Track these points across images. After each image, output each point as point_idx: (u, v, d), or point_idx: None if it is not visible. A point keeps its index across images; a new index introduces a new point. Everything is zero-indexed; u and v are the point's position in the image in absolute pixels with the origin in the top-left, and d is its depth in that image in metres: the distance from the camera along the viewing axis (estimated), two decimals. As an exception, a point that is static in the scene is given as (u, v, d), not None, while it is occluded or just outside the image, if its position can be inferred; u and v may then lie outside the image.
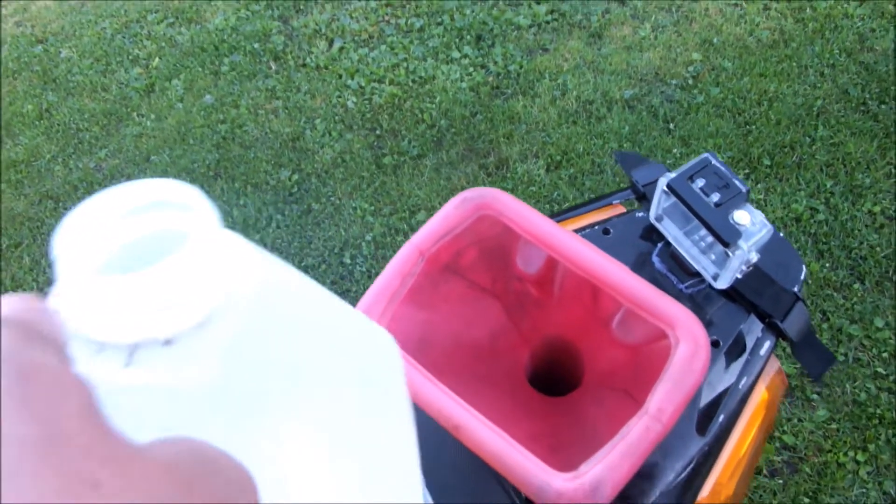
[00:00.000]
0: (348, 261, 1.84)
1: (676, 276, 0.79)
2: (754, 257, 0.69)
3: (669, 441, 0.73)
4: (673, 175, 0.70)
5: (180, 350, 0.24)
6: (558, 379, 0.78)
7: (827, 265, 1.59)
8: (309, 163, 2.05)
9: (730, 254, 0.69)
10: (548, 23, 2.20)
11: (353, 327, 0.34)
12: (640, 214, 0.84)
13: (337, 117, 2.12)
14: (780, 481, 1.37)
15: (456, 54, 2.17)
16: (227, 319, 0.26)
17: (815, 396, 1.45)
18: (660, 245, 0.80)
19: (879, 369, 1.46)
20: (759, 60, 1.99)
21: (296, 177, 2.03)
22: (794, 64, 1.97)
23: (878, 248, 1.61)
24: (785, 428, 1.42)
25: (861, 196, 1.69)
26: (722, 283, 0.74)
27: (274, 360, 0.28)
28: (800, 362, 0.79)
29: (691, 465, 0.75)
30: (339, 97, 2.16)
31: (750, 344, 0.79)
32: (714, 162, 0.71)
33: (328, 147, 2.07)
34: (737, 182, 0.69)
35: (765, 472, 1.39)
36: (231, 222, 1.96)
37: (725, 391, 0.76)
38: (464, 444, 0.56)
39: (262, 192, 2.03)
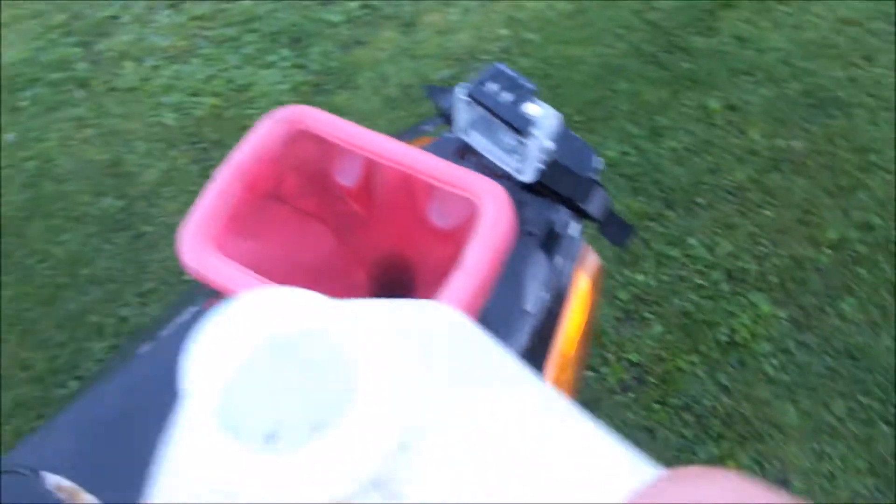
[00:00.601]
0: (190, 278, 1.90)
1: None
2: (549, 145, 0.85)
3: (497, 319, 0.87)
4: (468, 84, 0.86)
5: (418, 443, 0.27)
6: (399, 293, 0.90)
7: (642, 200, 1.87)
8: (132, 186, 2.10)
9: (526, 142, 0.84)
10: (360, 17, 2.39)
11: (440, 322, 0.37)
12: (450, 135, 0.98)
13: (157, 136, 2.18)
14: (633, 395, 1.59)
15: (273, 58, 2.30)
16: (416, 381, 0.28)
17: (649, 316, 1.69)
18: (471, 159, 0.96)
19: (699, 281, 1.74)
20: (561, 30, 2.29)
21: (120, 203, 2.06)
22: (592, 29, 2.28)
23: (682, 179, 1.90)
24: (628, 348, 1.65)
25: (662, 136, 1.99)
26: (527, 176, 0.88)
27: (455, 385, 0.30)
28: (606, 237, 0.95)
29: (525, 344, 0.89)
30: (156, 115, 2.23)
31: (561, 229, 0.96)
32: (503, 69, 0.87)
33: (151, 167, 2.12)
34: (525, 82, 0.86)
35: (618, 389, 1.60)
36: (54, 261, 1.96)
37: (546, 273, 0.92)
38: None
39: (84, 225, 2.04)
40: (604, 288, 1.71)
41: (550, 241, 0.92)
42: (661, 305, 1.70)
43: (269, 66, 2.30)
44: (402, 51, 2.29)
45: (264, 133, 0.75)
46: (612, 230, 0.95)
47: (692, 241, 1.80)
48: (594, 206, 0.93)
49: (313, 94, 2.20)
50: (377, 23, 2.39)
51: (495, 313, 0.77)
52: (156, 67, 2.35)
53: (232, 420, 0.26)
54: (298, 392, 0.26)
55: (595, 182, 0.93)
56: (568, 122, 2.05)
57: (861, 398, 1.59)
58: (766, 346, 1.65)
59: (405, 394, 0.27)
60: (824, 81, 2.16)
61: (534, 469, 0.29)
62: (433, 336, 0.34)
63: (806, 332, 1.68)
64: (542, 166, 0.87)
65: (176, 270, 1.93)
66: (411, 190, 0.78)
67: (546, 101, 2.23)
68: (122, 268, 1.94)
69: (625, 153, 1.96)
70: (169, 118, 2.21)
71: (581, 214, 0.94)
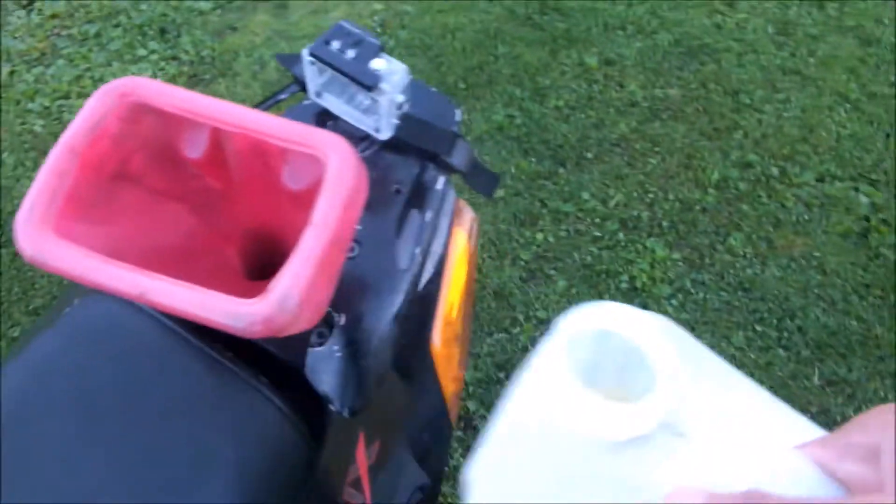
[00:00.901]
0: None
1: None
2: (401, 99, 0.83)
3: (372, 280, 0.85)
4: (311, 45, 0.83)
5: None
6: (270, 265, 0.86)
7: (533, 160, 1.88)
8: (6, 201, 1.95)
9: (377, 98, 0.82)
10: (231, 2, 2.29)
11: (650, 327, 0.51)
12: (307, 102, 0.95)
13: (26, 145, 2.03)
14: (543, 353, 1.61)
15: (143, 52, 2.18)
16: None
17: (552, 272, 1.71)
18: (330, 125, 0.93)
19: (596, 234, 1.76)
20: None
21: (-6, 220, 1.91)
22: (467, -4, 2.27)
23: (569, 136, 1.92)
24: (536, 306, 1.67)
25: (545, 96, 2.00)
26: (385, 133, 0.85)
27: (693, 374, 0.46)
28: (473, 188, 0.95)
29: (408, 299, 0.87)
30: (24, 124, 2.07)
31: (429, 185, 0.95)
32: (347, 26, 0.84)
33: (25, 179, 1.98)
34: (370, 38, 0.83)
35: (530, 347, 1.61)
36: (-73, 291, 1.80)
37: (418, 228, 0.90)
38: (156, 307, 0.61)
39: (-44, 248, 1.89)
40: (504, 250, 1.72)
41: (418, 197, 0.90)
42: (563, 261, 1.72)
43: (139, 60, 2.17)
44: (277, 33, 2.21)
45: (93, 107, 0.69)
46: (479, 181, 0.95)
47: (585, 195, 1.82)
48: (457, 159, 0.92)
49: (190, 85, 2.09)
50: (248, 7, 2.29)
51: (369, 274, 0.76)
52: (15, 73, 2.18)
53: (584, 378, 0.44)
54: (620, 369, 0.45)
55: (456, 134, 0.92)
56: (452, 91, 2.04)
57: (757, 327, 1.66)
58: (665, 289, 1.70)
59: (677, 374, 0.45)
60: (692, 29, 2.23)
61: (752, 422, 0.46)
62: (670, 335, 0.50)
63: (700, 270, 1.74)
64: (397, 122, 0.85)
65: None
66: (263, 156, 0.74)
67: (428, 71, 2.21)
68: (8, 287, 1.81)
69: (511, 116, 1.96)
70: (37, 125, 2.06)
71: (446, 168, 0.93)
